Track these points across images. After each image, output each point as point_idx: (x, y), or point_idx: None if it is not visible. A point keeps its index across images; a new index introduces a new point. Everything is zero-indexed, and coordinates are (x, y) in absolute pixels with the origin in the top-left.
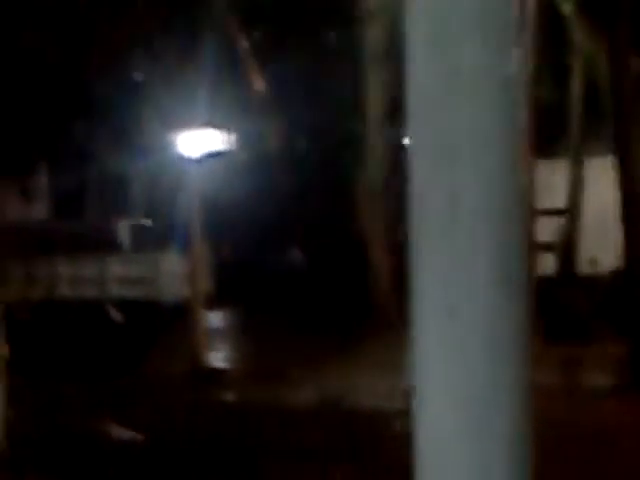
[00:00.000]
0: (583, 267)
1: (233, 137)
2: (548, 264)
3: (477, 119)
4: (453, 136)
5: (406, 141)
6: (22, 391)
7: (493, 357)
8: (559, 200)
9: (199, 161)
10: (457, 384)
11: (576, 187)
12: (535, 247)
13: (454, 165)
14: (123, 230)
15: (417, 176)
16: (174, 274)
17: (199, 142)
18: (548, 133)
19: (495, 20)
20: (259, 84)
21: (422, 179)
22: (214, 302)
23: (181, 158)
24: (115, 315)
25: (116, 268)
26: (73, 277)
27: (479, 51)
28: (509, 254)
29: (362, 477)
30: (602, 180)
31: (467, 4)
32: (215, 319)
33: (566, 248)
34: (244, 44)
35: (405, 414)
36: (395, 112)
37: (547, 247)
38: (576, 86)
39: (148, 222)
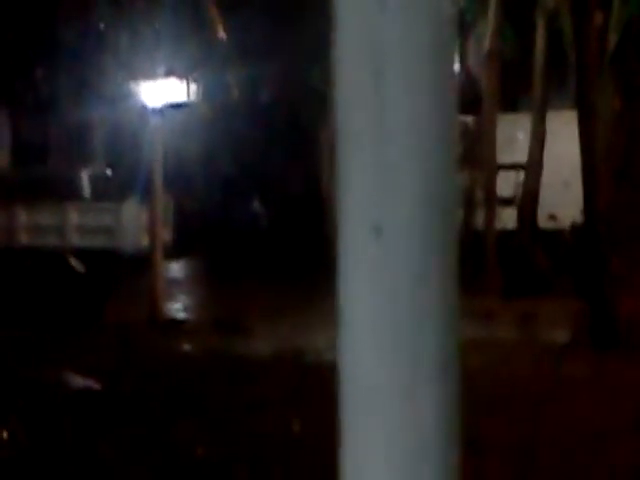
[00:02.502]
0: (544, 222)
1: (196, 87)
2: (508, 219)
3: (406, 34)
4: (380, 51)
5: None
6: None
7: (420, 277)
8: (521, 155)
9: (161, 111)
10: (382, 305)
11: (538, 141)
12: (496, 201)
13: (382, 81)
14: (84, 179)
15: (343, 93)
16: (135, 224)
17: (161, 92)
18: (511, 87)
19: None
20: (222, 34)
21: (348, 96)
22: (174, 253)
23: (143, 108)
24: (75, 264)
25: (76, 217)
26: (33, 225)
27: None
28: (437, 175)
29: (320, 428)
30: (564, 134)
31: None
32: (175, 270)
33: (526, 202)
34: None
35: None
36: None
37: (508, 201)
38: (540, 40)
39: (109, 171)
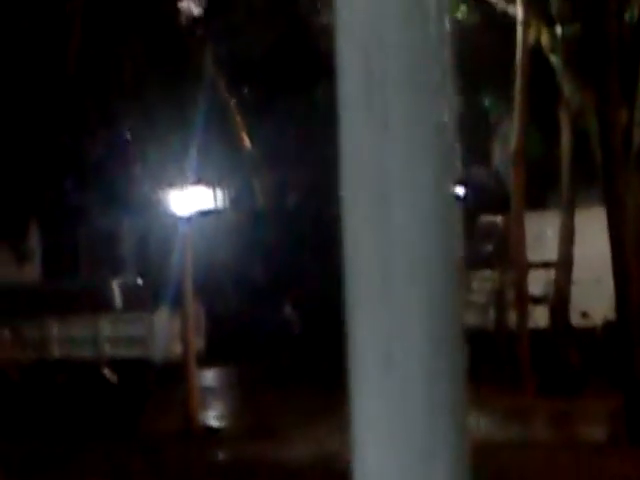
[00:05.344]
0: (576, 320)
1: (223, 195)
2: (540, 317)
3: (410, 168)
4: (386, 186)
5: None
6: (13, 454)
7: (431, 407)
8: (551, 252)
9: (190, 219)
10: (395, 431)
11: (567, 238)
12: (527, 300)
13: (388, 213)
14: (115, 289)
15: (350, 228)
16: (167, 333)
17: (190, 200)
18: (539, 185)
19: (426, 67)
20: (247, 142)
21: (355, 230)
22: (207, 360)
23: (172, 216)
24: (108, 375)
25: (108, 328)
26: (65, 337)
27: (409, 98)
28: (444, 305)
29: None
30: (593, 231)
31: (397, 53)
32: (209, 377)
33: (558, 300)
34: (233, 102)
35: None
36: None
37: (539, 300)
38: (566, 138)
39: (140, 281)
